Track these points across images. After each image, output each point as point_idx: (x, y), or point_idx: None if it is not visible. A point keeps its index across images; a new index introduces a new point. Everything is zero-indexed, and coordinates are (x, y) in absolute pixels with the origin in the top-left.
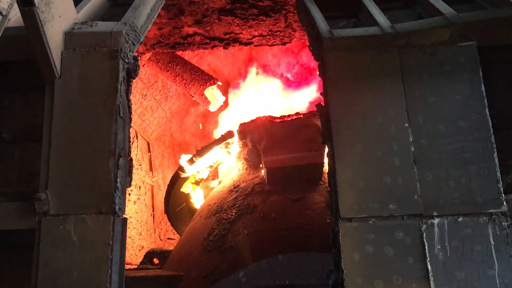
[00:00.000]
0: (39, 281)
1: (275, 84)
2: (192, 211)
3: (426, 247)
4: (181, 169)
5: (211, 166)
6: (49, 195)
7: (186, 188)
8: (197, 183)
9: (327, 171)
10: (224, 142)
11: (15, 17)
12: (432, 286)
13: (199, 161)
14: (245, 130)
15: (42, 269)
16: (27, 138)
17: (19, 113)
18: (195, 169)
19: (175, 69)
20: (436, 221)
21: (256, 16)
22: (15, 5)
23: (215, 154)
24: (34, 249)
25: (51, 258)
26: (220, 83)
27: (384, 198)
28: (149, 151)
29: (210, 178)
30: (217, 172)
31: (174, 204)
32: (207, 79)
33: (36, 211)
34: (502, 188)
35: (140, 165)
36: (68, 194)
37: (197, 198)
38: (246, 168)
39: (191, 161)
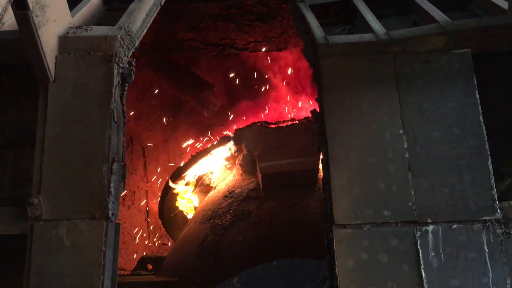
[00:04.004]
0: (31, 286)
1: None
2: (186, 216)
3: (421, 254)
4: (175, 176)
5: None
6: (42, 200)
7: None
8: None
9: (322, 177)
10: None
11: (9, 20)
12: None
13: (194, 167)
14: (241, 136)
15: (34, 275)
16: (20, 143)
17: (12, 117)
18: (191, 175)
19: (170, 74)
20: (430, 228)
21: (252, 22)
22: (10, 9)
23: (211, 160)
24: (26, 255)
25: (43, 263)
26: (215, 89)
27: (379, 204)
28: (144, 156)
29: (205, 184)
30: (212, 177)
31: (169, 209)
32: (203, 84)
33: (28, 216)
34: (496, 195)
35: (135, 170)
36: (61, 199)
37: (192, 204)
38: (241, 174)
39: (186, 167)
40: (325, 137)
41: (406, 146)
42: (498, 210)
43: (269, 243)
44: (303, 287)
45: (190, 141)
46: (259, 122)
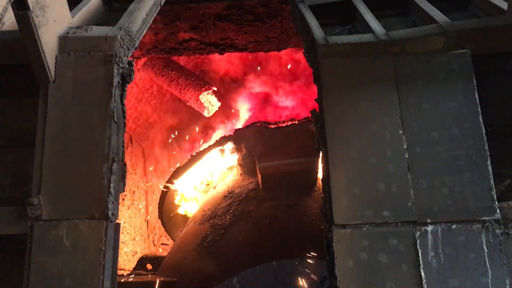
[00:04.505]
0: (31, 286)
1: None
2: (186, 216)
3: (420, 254)
4: (175, 175)
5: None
6: (42, 200)
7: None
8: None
9: (321, 177)
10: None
11: (9, 21)
12: None
13: (194, 167)
14: (240, 136)
15: (33, 275)
16: (21, 143)
17: (12, 117)
18: (190, 175)
19: (170, 74)
20: (429, 228)
21: (252, 22)
22: (10, 9)
23: (210, 160)
24: (26, 254)
25: (43, 263)
26: (215, 89)
27: (378, 205)
28: (143, 156)
29: (205, 184)
30: (212, 177)
31: (168, 209)
32: (202, 84)
33: (28, 216)
34: (495, 196)
35: (135, 170)
36: (61, 199)
37: (191, 204)
38: (241, 174)
39: (185, 167)
40: (324, 137)
41: (405, 147)
42: (497, 210)
43: (269, 243)
44: (303, 287)
45: (190, 140)
46: (258, 122)
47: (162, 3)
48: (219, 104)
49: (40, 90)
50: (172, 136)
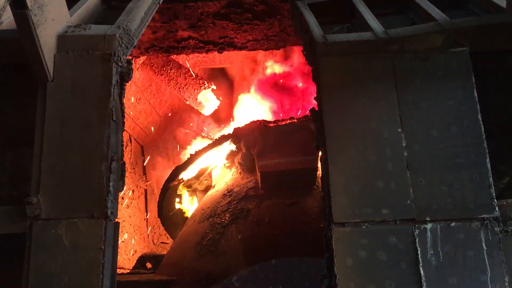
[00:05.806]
0: (30, 286)
1: None
2: (185, 215)
3: (419, 252)
4: (174, 174)
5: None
6: (41, 199)
7: (179, 192)
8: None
9: (320, 175)
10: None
11: (7, 20)
12: None
13: (193, 165)
14: (239, 134)
15: (32, 274)
16: (19, 142)
17: (10, 116)
18: (189, 174)
19: (169, 73)
20: (428, 226)
21: (251, 20)
22: (8, 8)
23: (210, 158)
24: (25, 254)
25: (42, 262)
26: (214, 87)
27: (377, 203)
28: (142, 155)
29: (204, 182)
30: (211, 176)
31: (168, 208)
32: (201, 83)
33: (27, 215)
34: (494, 193)
35: (134, 169)
36: (59, 198)
37: (191, 203)
38: (240, 173)
39: (184, 166)
40: (323, 135)
41: (404, 145)
42: (496, 208)
43: (268, 241)
44: (302, 286)
45: (189, 139)
46: (257, 120)
47: (161, 2)
48: (218, 102)
49: (38, 89)
50: (171, 135)
